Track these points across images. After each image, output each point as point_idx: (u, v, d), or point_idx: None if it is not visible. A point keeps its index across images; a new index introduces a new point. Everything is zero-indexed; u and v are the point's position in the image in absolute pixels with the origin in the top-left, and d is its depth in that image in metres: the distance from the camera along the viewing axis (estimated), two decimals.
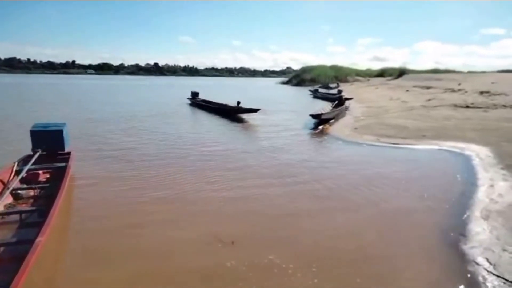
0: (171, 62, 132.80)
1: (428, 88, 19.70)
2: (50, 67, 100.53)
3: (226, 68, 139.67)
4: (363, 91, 25.15)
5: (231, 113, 13.04)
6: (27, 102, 18.14)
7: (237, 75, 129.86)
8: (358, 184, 5.09)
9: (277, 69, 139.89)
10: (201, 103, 16.94)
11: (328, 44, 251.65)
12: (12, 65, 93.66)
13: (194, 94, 18.36)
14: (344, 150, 7.67)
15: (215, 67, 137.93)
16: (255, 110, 12.03)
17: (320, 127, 10.38)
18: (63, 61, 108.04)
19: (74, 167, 5.10)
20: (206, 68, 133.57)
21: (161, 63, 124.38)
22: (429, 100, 14.65)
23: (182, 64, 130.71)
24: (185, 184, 5.02)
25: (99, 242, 3.31)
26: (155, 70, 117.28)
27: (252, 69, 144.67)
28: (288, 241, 3.38)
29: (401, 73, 33.78)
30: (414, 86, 21.55)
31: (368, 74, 44.78)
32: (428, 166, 6.06)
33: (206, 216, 3.96)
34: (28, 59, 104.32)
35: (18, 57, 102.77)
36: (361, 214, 4.06)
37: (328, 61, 62.29)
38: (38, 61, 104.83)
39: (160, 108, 15.69)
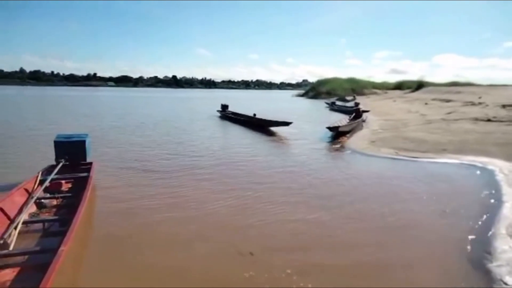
0: (188, 75, 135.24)
1: (447, 101, 19.34)
2: (72, 79, 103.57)
3: (242, 80, 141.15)
4: (380, 104, 24.88)
5: (263, 126, 12.95)
6: (51, 113, 18.71)
7: (254, 88, 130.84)
8: (377, 198, 5.01)
9: (293, 81, 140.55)
10: (231, 115, 16.95)
11: (345, 57, 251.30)
12: (37, 78, 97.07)
13: (224, 107, 18.38)
14: (361, 163, 7.57)
15: (231, 79, 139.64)
16: (287, 124, 11.80)
17: (338, 140, 10.31)
18: (85, 74, 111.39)
19: (95, 177, 5.17)
20: (223, 81, 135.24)
21: (178, 75, 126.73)
22: (449, 113, 14.37)
23: (199, 77, 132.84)
24: (207, 196, 5.01)
25: (120, 252, 3.34)
26: (173, 82, 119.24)
27: (269, 81, 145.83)
28: (304, 256, 3.32)
29: (419, 85, 33.22)
30: (433, 99, 21.21)
31: (385, 87, 44.31)
32: (450, 181, 5.89)
33: (226, 227, 3.95)
34: (52, 72, 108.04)
35: (42, 70, 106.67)
36: (379, 229, 3.97)
37: (345, 74, 62.05)
38: (61, 74, 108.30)
39: (189, 120, 15.90)
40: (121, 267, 3.07)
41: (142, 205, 4.57)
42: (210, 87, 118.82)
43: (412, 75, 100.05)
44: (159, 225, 3.98)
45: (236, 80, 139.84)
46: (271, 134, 11.82)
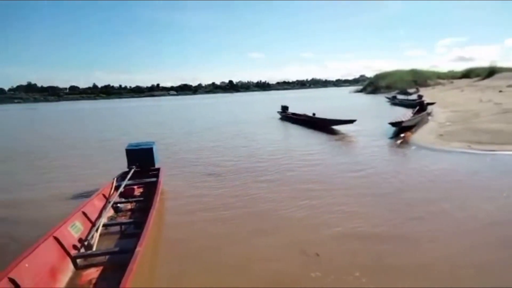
0: (243, 79, 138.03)
1: None
2: (138, 91, 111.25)
3: (297, 80, 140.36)
4: (447, 95, 23.31)
5: (326, 125, 12.75)
6: (121, 124, 20.37)
7: (309, 87, 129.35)
8: (454, 199, 4.67)
9: (350, 77, 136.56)
10: (291, 116, 16.94)
11: (404, 49, 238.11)
12: (107, 92, 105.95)
13: (284, 108, 18.39)
14: (430, 159, 7.15)
15: (286, 80, 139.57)
16: (351, 121, 11.55)
17: (401, 135, 9.91)
18: (149, 85, 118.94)
19: (163, 181, 5.44)
20: (278, 82, 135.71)
21: (234, 80, 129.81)
22: None
23: (254, 80, 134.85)
24: (273, 198, 5.02)
25: (188, 250, 3.54)
26: (230, 87, 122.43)
27: (324, 79, 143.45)
28: (372, 260, 3.20)
29: (491, 72, 30.36)
30: (509, 86, 19.38)
31: (452, 76, 41.31)
32: None
33: (292, 228, 3.99)
34: (120, 85, 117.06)
35: (111, 84, 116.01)
36: (459, 235, 3.61)
37: (405, 66, 58.69)
38: (128, 87, 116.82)
39: (250, 123, 16.25)
40: (189, 264, 3.26)
41: (208, 207, 4.75)
42: (265, 89, 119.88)
43: (481, 62, 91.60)
44: (226, 226, 4.13)
45: (290, 81, 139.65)
46: (334, 133, 11.64)
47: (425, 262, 3.11)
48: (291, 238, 3.72)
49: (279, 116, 18.52)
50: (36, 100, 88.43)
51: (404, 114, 13.15)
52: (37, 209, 5.09)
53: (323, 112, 15.06)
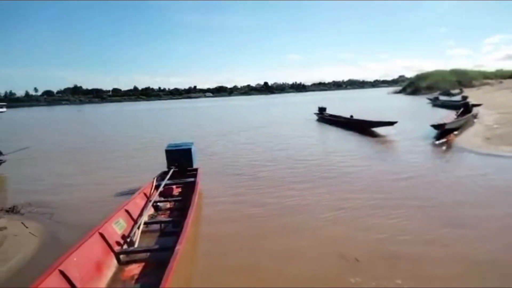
0: (279, 80, 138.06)
1: None
2: (176, 93, 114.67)
3: (333, 81, 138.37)
4: (495, 96, 22.09)
5: (365, 127, 12.45)
6: (160, 124, 21.03)
7: (345, 88, 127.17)
8: (506, 206, 4.46)
9: (389, 78, 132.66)
10: (329, 117, 16.73)
11: (447, 47, 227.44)
12: (147, 94, 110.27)
13: (321, 109, 18.18)
14: (477, 164, 6.87)
15: (321, 81, 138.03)
16: (391, 123, 11.21)
17: (444, 138, 9.52)
18: (186, 87, 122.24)
19: (201, 181, 5.55)
20: (314, 84, 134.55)
21: (270, 82, 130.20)
22: None
23: (289, 81, 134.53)
24: (312, 201, 4.98)
25: (226, 250, 3.61)
26: (265, 89, 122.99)
27: (361, 80, 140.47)
28: (415, 269, 3.11)
29: None
30: None
31: (500, 76, 39.02)
32: None
33: (331, 232, 3.95)
34: (159, 87, 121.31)
35: (151, 86, 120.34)
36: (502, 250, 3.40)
37: (447, 66, 56.18)
38: (166, 89, 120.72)
39: (287, 125, 16.23)
40: (226, 262, 3.33)
41: (245, 210, 4.78)
42: (300, 91, 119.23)
43: None
44: (263, 228, 4.15)
45: (326, 82, 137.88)
46: (373, 135, 11.40)
47: (468, 272, 2.99)
48: (330, 243, 3.68)
49: (316, 117, 18.36)
50: (81, 102, 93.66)
51: (447, 116, 12.63)
52: (83, 206, 5.37)
53: (360, 114, 14.76)
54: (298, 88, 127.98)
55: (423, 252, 3.37)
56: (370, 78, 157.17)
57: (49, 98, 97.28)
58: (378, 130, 11.81)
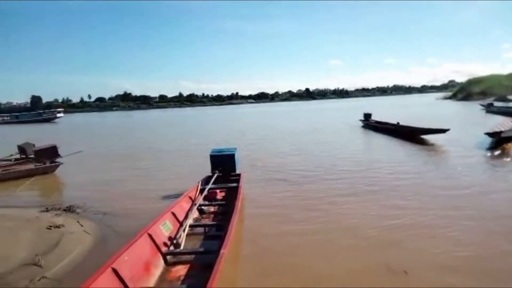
0: (320, 86, 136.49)
1: None
2: (219, 99, 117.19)
3: (377, 87, 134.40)
4: None
5: (414, 135, 12.05)
6: (205, 129, 21.61)
7: (390, 94, 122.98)
8: None
9: (437, 83, 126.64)
10: (375, 124, 16.46)
11: (502, 50, 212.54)
12: (191, 100, 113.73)
13: (367, 116, 17.90)
14: None
15: (365, 87, 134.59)
16: (443, 131, 10.77)
17: (500, 147, 9.02)
18: (229, 94, 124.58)
19: (244, 186, 5.62)
20: (357, 89, 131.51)
21: (311, 88, 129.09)
22: None
23: (331, 87, 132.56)
24: (358, 212, 4.89)
25: (269, 256, 3.67)
26: (306, 95, 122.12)
27: (407, 85, 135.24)
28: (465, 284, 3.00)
29: None
30: None
31: None
32: None
33: (378, 244, 3.88)
34: (203, 94, 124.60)
35: (195, 93, 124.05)
36: None
37: (503, 70, 52.92)
38: (210, 95, 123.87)
39: (332, 132, 16.11)
40: (272, 271, 3.36)
41: (289, 217, 4.82)
42: (343, 97, 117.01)
43: None
44: (307, 237, 4.14)
45: (370, 88, 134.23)
46: (422, 143, 10.99)
47: None
48: (377, 254, 3.62)
49: (361, 124, 18.04)
50: (130, 108, 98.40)
51: (503, 123, 11.93)
52: (132, 207, 5.67)
53: (406, 121, 14.30)
54: (341, 94, 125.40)
55: (475, 270, 3.26)
56: (417, 83, 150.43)
57: (101, 104, 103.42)
58: (428, 137, 11.36)
